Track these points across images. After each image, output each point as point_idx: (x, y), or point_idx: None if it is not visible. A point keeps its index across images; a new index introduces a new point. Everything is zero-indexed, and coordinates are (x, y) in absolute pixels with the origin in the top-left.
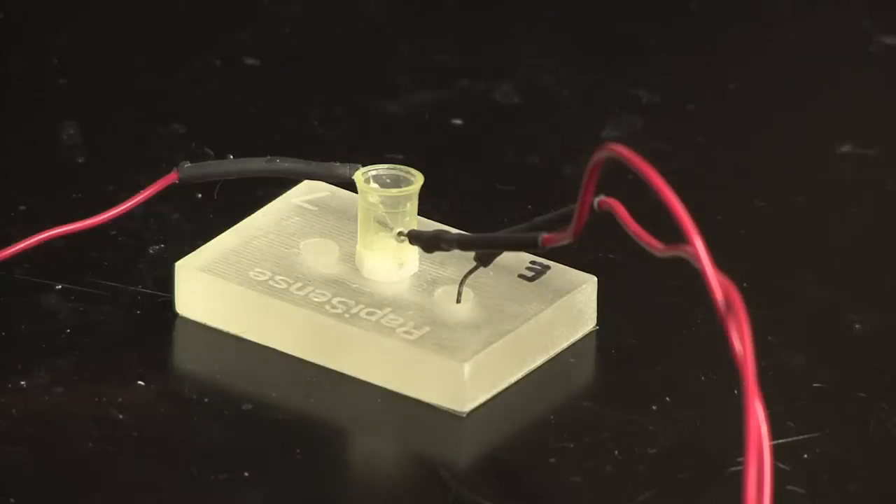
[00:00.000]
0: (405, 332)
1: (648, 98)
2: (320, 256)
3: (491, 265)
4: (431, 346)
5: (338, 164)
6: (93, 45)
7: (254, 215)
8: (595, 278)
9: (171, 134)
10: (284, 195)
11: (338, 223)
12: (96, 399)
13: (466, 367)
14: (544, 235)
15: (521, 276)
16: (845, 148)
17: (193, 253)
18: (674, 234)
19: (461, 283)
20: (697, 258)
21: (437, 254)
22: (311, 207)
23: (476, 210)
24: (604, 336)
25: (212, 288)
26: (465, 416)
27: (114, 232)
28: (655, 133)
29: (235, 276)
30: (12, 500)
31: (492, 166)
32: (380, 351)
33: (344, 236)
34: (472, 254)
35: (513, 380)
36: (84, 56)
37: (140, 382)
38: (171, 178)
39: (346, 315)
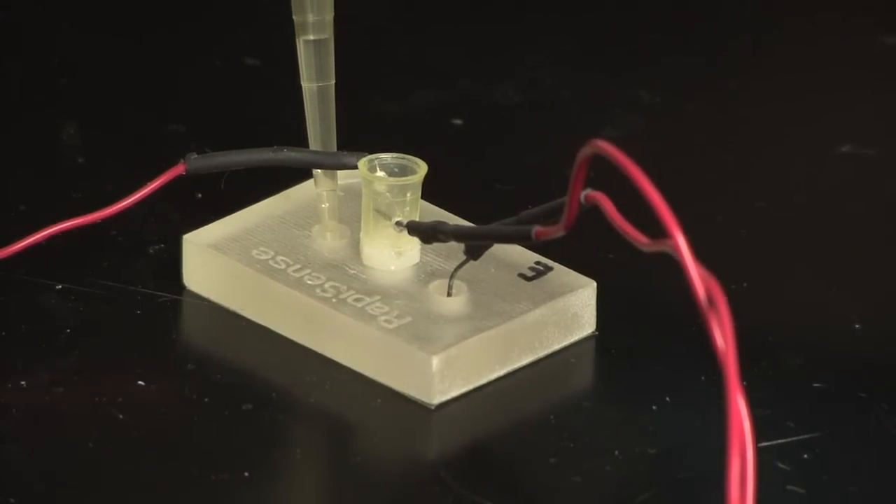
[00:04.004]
0: (385, 321)
1: (648, 98)
2: (328, 241)
3: (495, 261)
4: (405, 337)
5: (345, 152)
6: (93, 45)
7: (276, 196)
8: (594, 283)
9: (171, 134)
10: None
11: (360, 210)
12: (96, 399)
13: (435, 360)
14: (537, 228)
15: (521, 274)
16: (845, 148)
17: (205, 227)
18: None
19: (451, 277)
20: (679, 253)
21: (442, 246)
22: (338, 192)
23: (476, 210)
24: (604, 336)
25: (214, 263)
26: (433, 408)
27: (114, 232)
28: (655, 133)
29: (237, 253)
30: (12, 500)
31: (492, 166)
32: (358, 338)
33: (360, 223)
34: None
35: (492, 377)
36: (84, 56)
37: (140, 382)
38: (179, 169)
39: (334, 300)
